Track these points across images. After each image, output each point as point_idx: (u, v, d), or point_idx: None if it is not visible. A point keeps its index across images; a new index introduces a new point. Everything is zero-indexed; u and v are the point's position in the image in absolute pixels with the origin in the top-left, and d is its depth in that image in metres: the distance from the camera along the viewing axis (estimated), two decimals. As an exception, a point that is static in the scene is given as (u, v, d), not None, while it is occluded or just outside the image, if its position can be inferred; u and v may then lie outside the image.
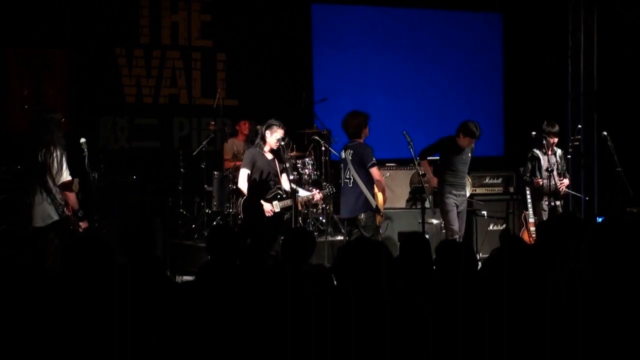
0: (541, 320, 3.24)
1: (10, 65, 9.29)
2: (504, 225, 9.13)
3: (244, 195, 6.85)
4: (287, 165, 7.27)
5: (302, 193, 7.10)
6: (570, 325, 3.26)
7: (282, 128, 6.86)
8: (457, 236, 7.55)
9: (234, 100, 10.08)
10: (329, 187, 8.08)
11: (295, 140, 9.36)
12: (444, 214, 7.75)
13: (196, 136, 10.06)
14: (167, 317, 3.48)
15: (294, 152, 9.08)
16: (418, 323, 3.22)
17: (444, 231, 7.93)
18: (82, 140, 6.45)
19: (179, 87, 10.09)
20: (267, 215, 6.74)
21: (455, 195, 7.72)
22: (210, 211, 8.71)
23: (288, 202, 6.89)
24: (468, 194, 8.10)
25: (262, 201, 6.75)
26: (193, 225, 8.87)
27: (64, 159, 6.21)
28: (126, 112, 9.81)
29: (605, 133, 8.33)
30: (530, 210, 8.26)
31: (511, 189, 9.37)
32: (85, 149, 6.43)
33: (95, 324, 3.36)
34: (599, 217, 9.60)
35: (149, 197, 8.33)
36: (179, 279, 7.52)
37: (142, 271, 3.86)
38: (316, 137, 9.19)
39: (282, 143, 6.96)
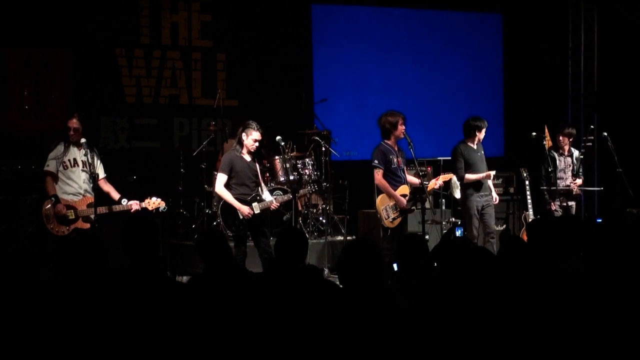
0: (541, 320, 3.24)
1: (10, 65, 9.29)
2: (504, 226, 9.12)
3: (222, 199, 6.86)
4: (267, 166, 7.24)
5: (267, 197, 7.06)
6: (570, 325, 3.26)
7: (259, 130, 6.83)
8: (475, 241, 7.56)
9: (234, 100, 10.07)
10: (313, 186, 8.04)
11: (296, 141, 9.36)
12: (467, 218, 7.77)
13: (196, 136, 10.06)
14: (169, 317, 3.48)
15: (294, 153, 9.08)
16: (416, 323, 3.22)
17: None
18: (83, 140, 6.50)
19: (179, 87, 10.08)
20: (245, 217, 6.75)
21: (479, 197, 7.73)
22: (210, 211, 8.71)
23: (268, 203, 6.90)
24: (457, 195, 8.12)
25: (239, 204, 6.77)
26: (193, 226, 8.87)
27: (52, 153, 6.58)
28: (126, 112, 9.80)
29: (605, 134, 8.34)
30: (531, 211, 8.27)
31: (511, 190, 9.36)
32: (86, 149, 6.47)
33: (97, 324, 3.36)
34: (599, 218, 9.60)
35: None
36: (178, 279, 7.52)
37: (144, 271, 3.86)
38: (316, 138, 9.18)
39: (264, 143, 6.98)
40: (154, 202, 6.65)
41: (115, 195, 6.67)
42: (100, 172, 6.69)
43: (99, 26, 9.48)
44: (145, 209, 6.61)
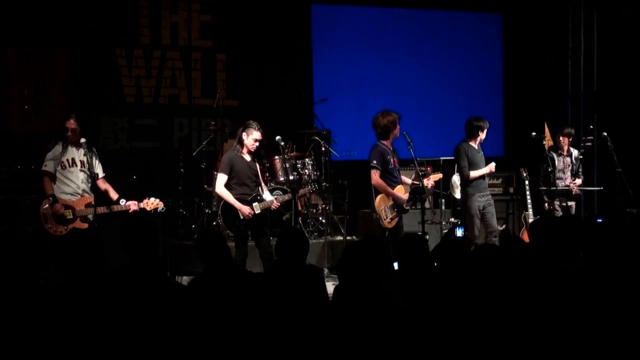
0: (541, 320, 3.24)
1: (10, 65, 9.29)
2: (504, 226, 9.12)
3: (222, 199, 6.85)
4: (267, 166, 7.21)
5: (267, 197, 7.04)
6: (570, 325, 3.26)
7: (259, 130, 6.81)
8: (476, 241, 7.55)
9: (234, 100, 10.07)
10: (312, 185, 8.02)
11: (295, 141, 9.36)
12: (468, 218, 7.76)
13: (196, 136, 10.06)
14: (169, 317, 3.48)
15: (294, 152, 9.08)
16: (416, 323, 3.22)
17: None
18: (82, 140, 6.51)
19: (179, 87, 10.08)
20: (246, 217, 6.73)
21: (480, 197, 7.73)
22: (210, 211, 8.72)
23: (268, 203, 6.89)
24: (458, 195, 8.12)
25: (240, 204, 6.76)
26: (193, 226, 8.87)
27: (50, 153, 6.59)
28: (126, 112, 9.81)
29: (605, 134, 8.34)
30: (530, 211, 8.27)
31: (511, 190, 9.36)
32: (86, 149, 6.48)
33: (96, 324, 3.36)
34: (599, 218, 9.60)
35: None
36: (178, 279, 7.52)
37: (144, 271, 3.86)
38: (316, 138, 9.19)
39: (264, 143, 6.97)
40: (152, 203, 6.66)
41: (114, 195, 6.69)
42: (99, 172, 6.70)
43: (99, 26, 9.48)
44: (143, 209, 6.61)
